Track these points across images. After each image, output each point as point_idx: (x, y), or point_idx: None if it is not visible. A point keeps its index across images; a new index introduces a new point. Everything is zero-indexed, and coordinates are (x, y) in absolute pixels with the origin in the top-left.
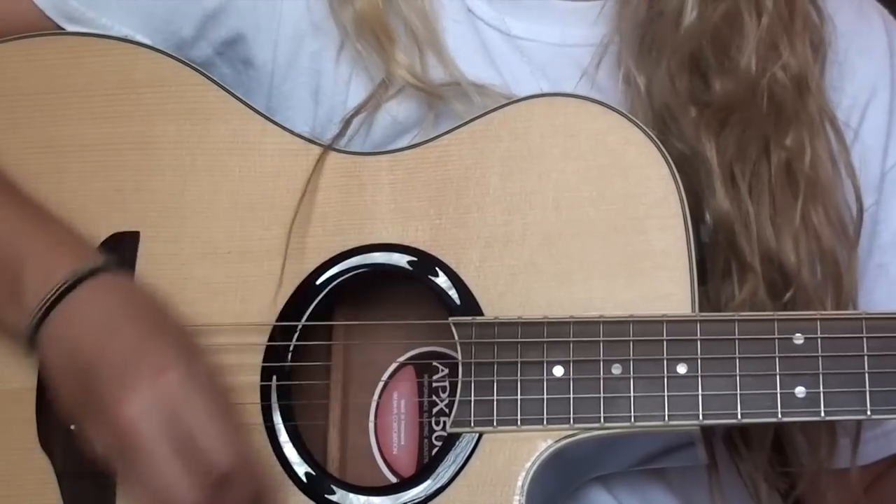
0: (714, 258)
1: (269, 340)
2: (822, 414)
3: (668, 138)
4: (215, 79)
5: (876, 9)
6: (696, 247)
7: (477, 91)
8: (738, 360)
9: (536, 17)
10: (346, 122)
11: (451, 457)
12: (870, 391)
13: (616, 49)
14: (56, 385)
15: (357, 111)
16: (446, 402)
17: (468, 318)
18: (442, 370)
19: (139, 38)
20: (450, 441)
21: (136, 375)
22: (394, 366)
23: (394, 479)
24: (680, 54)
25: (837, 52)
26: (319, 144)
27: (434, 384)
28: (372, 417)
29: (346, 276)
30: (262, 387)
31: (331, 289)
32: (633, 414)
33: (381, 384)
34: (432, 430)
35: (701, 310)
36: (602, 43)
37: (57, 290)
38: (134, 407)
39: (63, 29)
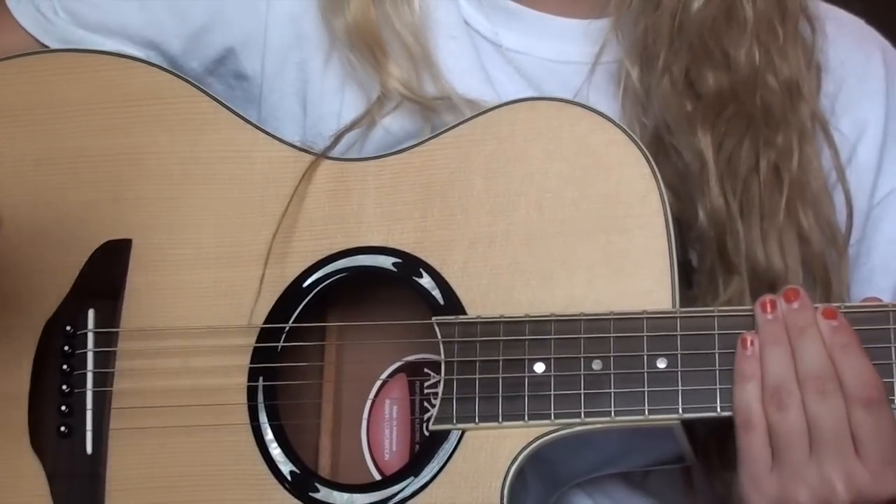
0: (702, 259)
1: (257, 342)
2: None
3: (669, 140)
4: (208, 91)
5: (877, 42)
6: (678, 245)
7: (469, 106)
8: (717, 355)
9: (531, 31)
10: (338, 137)
11: (434, 454)
12: None
13: (613, 65)
14: None
15: (351, 127)
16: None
17: (451, 318)
18: (434, 376)
19: (131, 52)
20: (433, 439)
21: None
22: (386, 373)
23: None
24: (678, 47)
25: (833, 73)
26: (310, 153)
27: (426, 390)
28: (364, 422)
29: (333, 278)
30: (249, 388)
31: (320, 291)
32: (613, 409)
33: (374, 390)
34: (424, 437)
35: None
36: (598, 61)
37: None
38: None
39: None
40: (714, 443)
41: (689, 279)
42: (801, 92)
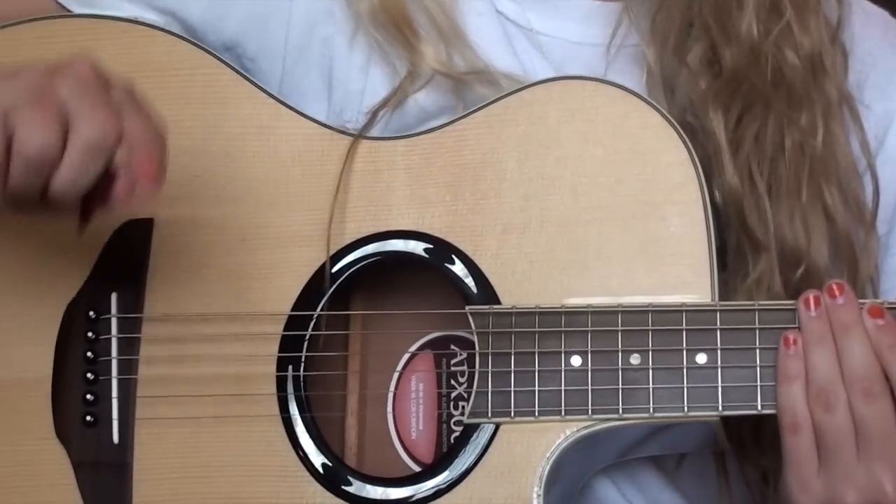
0: (729, 239)
1: (285, 330)
2: None
3: (692, 122)
4: (230, 63)
5: None
6: (717, 233)
7: (505, 79)
8: (758, 351)
9: (557, 12)
10: (373, 115)
11: (468, 447)
12: None
13: (636, 49)
14: None
15: (384, 103)
16: (465, 386)
17: (485, 308)
18: (460, 354)
19: (150, 17)
20: (467, 431)
21: None
22: (408, 354)
23: (412, 465)
24: (690, 27)
25: (860, 62)
26: (335, 129)
27: (452, 368)
28: (390, 404)
29: (363, 263)
30: (278, 377)
31: (347, 276)
32: (651, 405)
33: (396, 373)
34: (451, 416)
35: (721, 294)
36: (621, 43)
37: None
38: None
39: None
40: (748, 426)
41: (724, 261)
42: (825, 66)
